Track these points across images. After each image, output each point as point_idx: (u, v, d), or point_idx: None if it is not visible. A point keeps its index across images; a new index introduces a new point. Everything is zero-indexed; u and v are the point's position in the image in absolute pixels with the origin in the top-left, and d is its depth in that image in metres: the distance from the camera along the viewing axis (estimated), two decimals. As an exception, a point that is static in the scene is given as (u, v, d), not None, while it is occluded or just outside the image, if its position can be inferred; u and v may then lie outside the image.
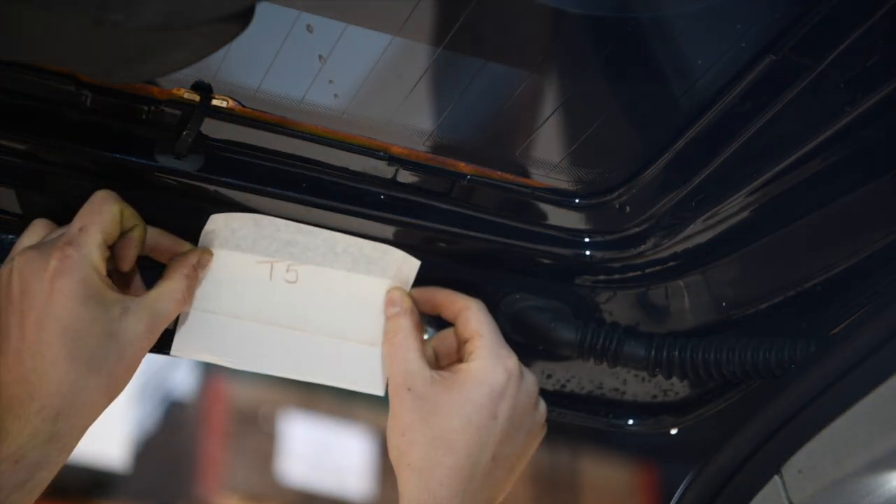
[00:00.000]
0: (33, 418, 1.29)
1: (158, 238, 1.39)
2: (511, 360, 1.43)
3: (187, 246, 1.41)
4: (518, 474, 1.43)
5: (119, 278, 1.38)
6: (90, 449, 4.44)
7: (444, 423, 1.38)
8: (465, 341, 1.45)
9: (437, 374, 1.42)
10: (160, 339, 1.38)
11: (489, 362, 1.42)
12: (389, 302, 1.46)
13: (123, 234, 1.36)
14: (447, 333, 1.49)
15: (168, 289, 1.37)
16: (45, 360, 1.29)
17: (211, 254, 1.41)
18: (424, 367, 1.42)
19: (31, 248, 1.33)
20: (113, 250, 1.35)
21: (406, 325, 1.43)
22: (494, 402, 1.39)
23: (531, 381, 1.45)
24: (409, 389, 1.39)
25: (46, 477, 1.30)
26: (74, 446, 1.32)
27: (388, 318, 1.45)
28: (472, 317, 1.45)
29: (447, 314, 1.48)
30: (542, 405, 1.47)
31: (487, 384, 1.41)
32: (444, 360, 1.49)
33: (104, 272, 1.33)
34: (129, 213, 1.35)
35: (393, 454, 1.40)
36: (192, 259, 1.39)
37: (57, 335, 1.29)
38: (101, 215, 1.33)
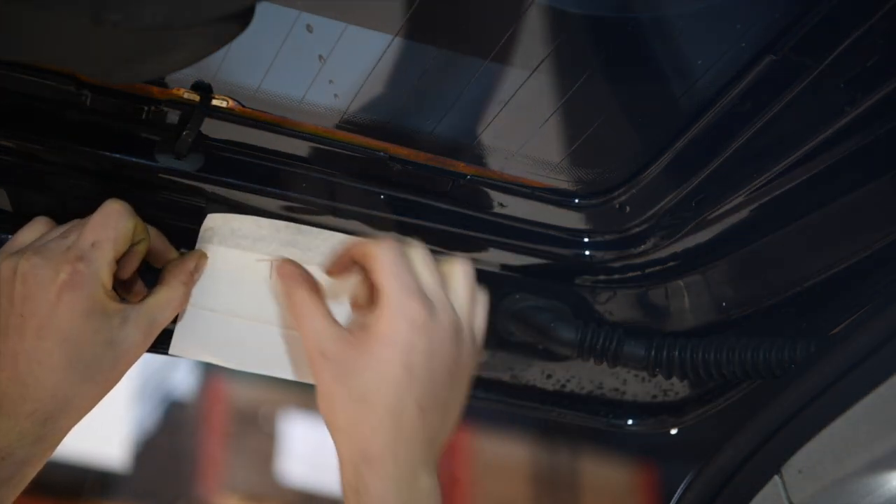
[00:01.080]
0: (23, 420, 1.30)
1: (155, 241, 1.39)
2: (414, 308, 1.33)
3: (176, 252, 1.41)
4: (459, 409, 1.37)
5: (118, 282, 1.38)
6: (90, 449, 4.44)
7: (359, 383, 1.32)
8: (377, 291, 1.37)
9: (347, 332, 1.35)
10: (159, 338, 1.39)
11: (390, 317, 1.33)
12: (280, 278, 1.38)
13: (130, 246, 1.36)
14: (363, 280, 1.41)
15: (166, 297, 1.37)
16: (42, 366, 1.30)
17: (207, 258, 1.41)
18: (333, 327, 1.35)
19: (37, 254, 1.32)
20: (120, 259, 1.35)
21: (303, 294, 1.36)
22: (404, 355, 1.32)
23: (445, 319, 1.34)
24: (323, 355, 1.33)
25: (31, 473, 1.32)
26: (58, 444, 1.34)
27: (283, 296, 1.38)
28: (376, 267, 1.35)
29: (363, 266, 1.39)
30: (468, 333, 1.37)
31: (391, 340, 1.33)
32: (368, 303, 1.41)
33: (110, 286, 1.33)
34: (141, 227, 1.35)
35: (325, 421, 1.37)
36: (189, 265, 1.39)
37: (57, 344, 1.30)
38: (116, 232, 1.33)
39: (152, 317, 1.36)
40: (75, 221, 1.35)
